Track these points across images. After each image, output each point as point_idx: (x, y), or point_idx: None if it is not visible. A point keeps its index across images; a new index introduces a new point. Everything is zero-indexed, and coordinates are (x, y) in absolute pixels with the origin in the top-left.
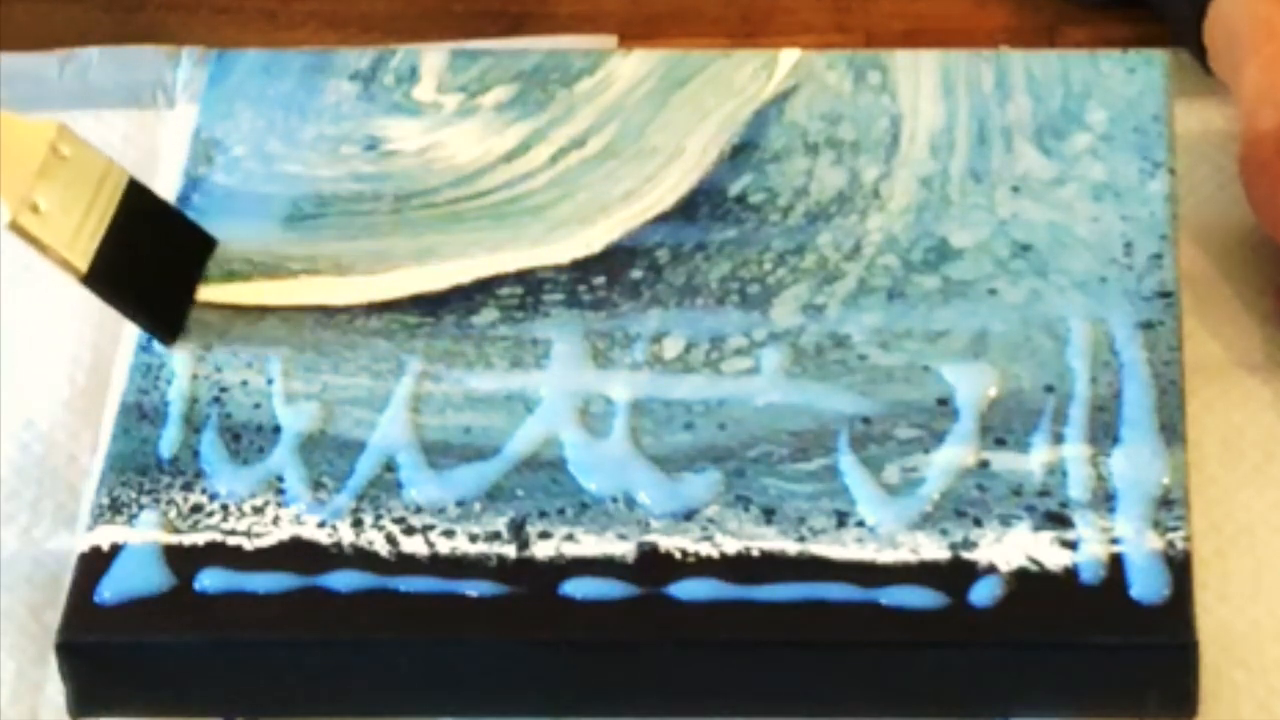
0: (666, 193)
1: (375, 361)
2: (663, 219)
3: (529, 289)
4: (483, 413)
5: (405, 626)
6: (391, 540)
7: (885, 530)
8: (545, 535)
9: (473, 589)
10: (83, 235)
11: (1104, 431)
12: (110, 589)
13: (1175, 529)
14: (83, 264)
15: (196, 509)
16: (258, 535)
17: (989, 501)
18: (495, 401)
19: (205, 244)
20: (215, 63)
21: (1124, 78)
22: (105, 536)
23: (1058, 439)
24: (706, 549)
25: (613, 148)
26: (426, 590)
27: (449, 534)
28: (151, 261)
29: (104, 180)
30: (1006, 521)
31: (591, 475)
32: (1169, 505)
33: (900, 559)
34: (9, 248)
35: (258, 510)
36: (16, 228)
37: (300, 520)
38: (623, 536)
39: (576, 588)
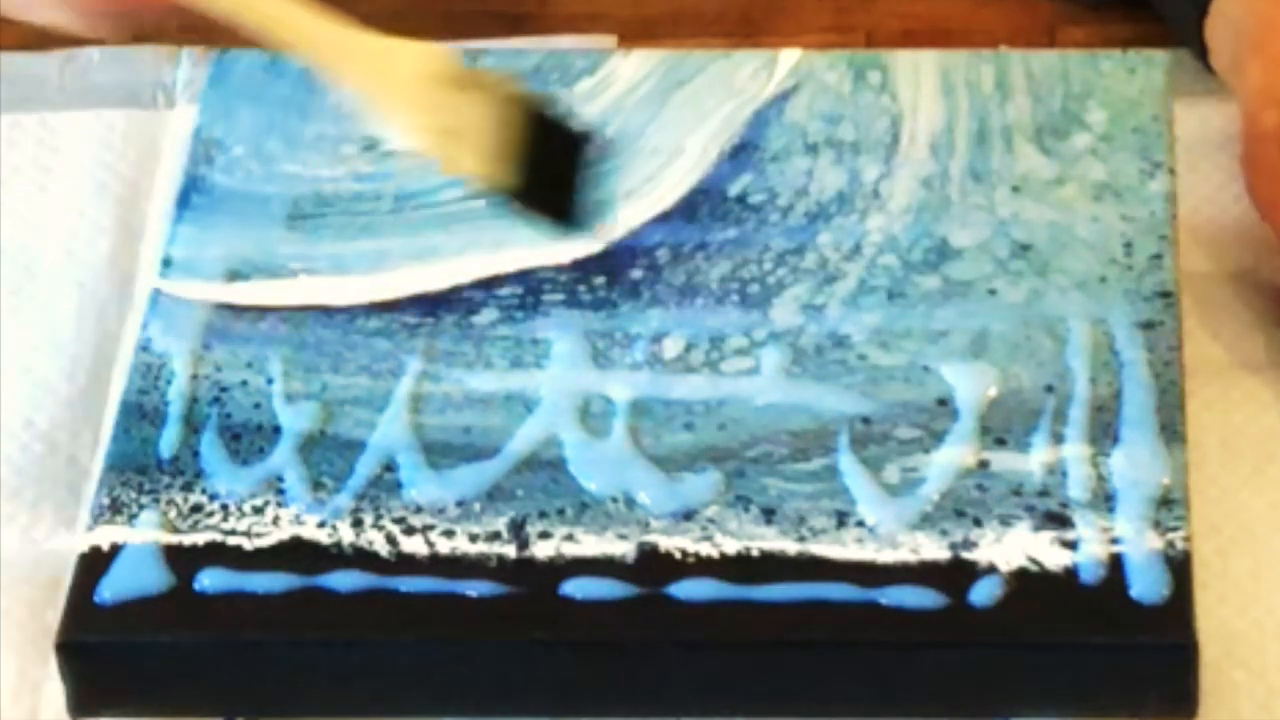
0: (666, 193)
1: (375, 361)
2: (663, 219)
3: (529, 289)
4: (483, 413)
5: (405, 626)
6: (391, 540)
7: (885, 530)
8: (545, 535)
9: (473, 589)
10: (497, 154)
11: (1104, 431)
12: (110, 589)
13: (1175, 529)
14: (510, 182)
15: (196, 509)
16: (258, 535)
17: (989, 501)
18: (495, 401)
19: (583, 139)
20: (215, 63)
21: (1124, 78)
22: (105, 536)
23: (1058, 439)
24: (706, 549)
25: (612, 148)
26: (426, 590)
27: (449, 534)
28: (556, 168)
29: (505, 97)
30: (1006, 521)
31: (591, 475)
32: (1169, 505)
33: (900, 559)
34: (9, 248)
35: (258, 510)
36: (435, 152)
37: (300, 520)
38: (623, 536)
39: (576, 588)
